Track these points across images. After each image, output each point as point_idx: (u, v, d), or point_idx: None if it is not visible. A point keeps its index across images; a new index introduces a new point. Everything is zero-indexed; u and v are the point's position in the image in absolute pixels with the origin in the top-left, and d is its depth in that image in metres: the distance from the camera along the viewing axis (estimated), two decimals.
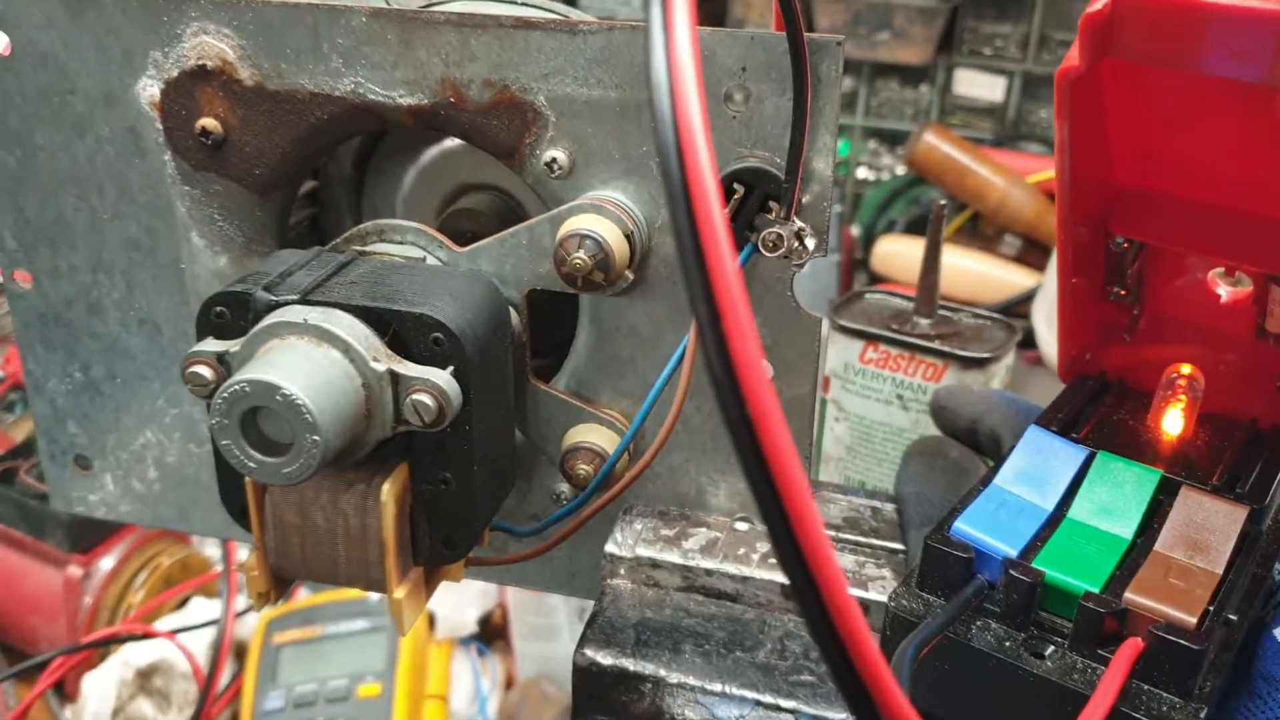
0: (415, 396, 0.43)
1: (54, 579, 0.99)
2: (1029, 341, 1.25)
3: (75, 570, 0.99)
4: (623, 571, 0.52)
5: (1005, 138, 1.70)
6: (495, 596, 1.08)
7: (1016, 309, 1.32)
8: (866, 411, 0.71)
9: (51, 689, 1.01)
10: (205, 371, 0.43)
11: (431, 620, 1.04)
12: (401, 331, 0.43)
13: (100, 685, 0.96)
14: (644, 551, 0.51)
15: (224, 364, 0.43)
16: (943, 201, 0.68)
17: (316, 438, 0.40)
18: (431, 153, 0.58)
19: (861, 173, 1.89)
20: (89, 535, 1.00)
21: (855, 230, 1.68)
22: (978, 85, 1.79)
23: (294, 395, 0.40)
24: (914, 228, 1.53)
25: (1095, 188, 0.47)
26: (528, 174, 0.49)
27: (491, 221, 0.56)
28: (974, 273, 1.38)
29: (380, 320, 0.43)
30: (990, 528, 0.42)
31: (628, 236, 0.47)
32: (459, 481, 0.46)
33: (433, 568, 0.48)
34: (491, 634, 1.11)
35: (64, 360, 0.57)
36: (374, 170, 0.59)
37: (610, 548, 0.52)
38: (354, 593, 1.03)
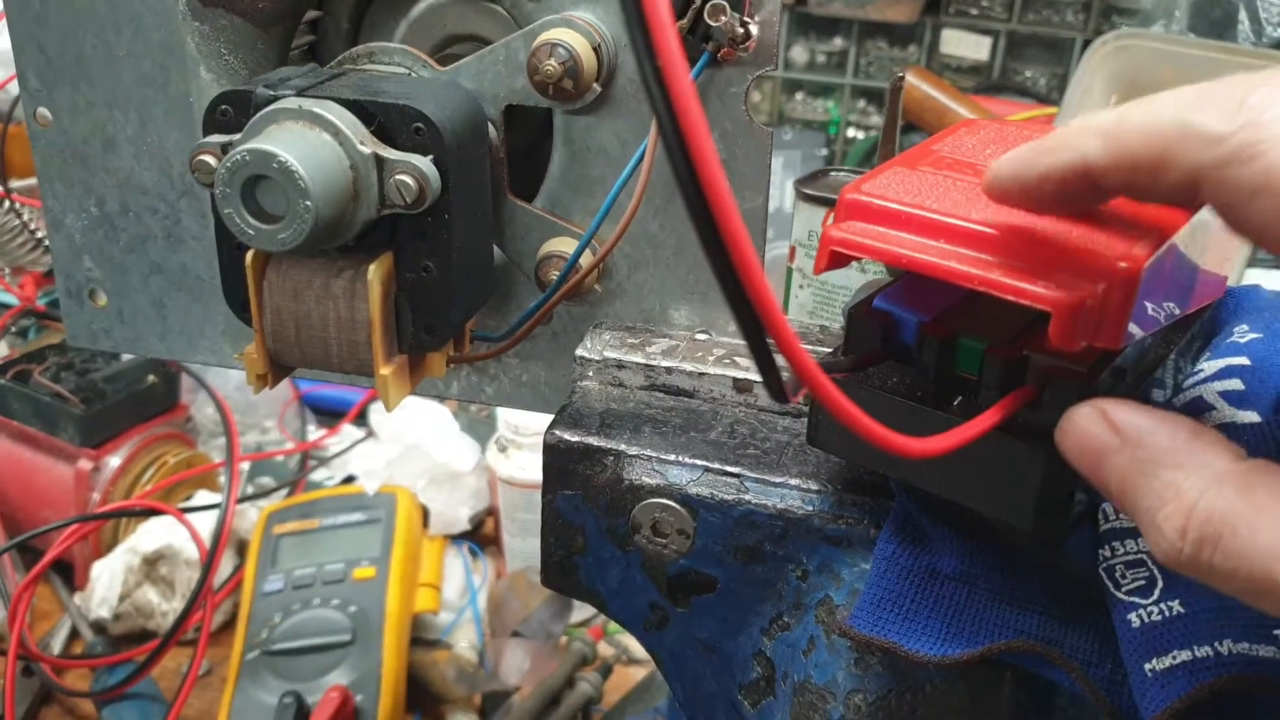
0: (398, 177, 0.47)
1: (65, 473, 1.04)
2: None
3: (85, 464, 1.04)
4: (591, 373, 0.56)
5: (986, 88, 1.75)
6: (487, 498, 1.13)
7: None
8: (828, 277, 0.75)
9: (61, 581, 1.05)
10: (210, 159, 0.48)
11: (426, 516, 1.09)
12: (386, 122, 0.48)
13: (108, 571, 1.01)
14: (611, 354, 0.56)
15: (225, 151, 0.48)
16: (901, 74, 0.73)
17: (308, 203, 0.45)
18: (420, 6, 0.63)
19: (851, 132, 1.94)
20: (99, 431, 1.05)
21: None
22: (964, 44, 1.84)
23: (289, 162, 0.44)
24: None
25: None
26: (506, 1, 0.53)
27: None
28: None
29: (367, 112, 0.48)
30: (909, 301, 0.46)
31: (596, 49, 0.52)
32: (439, 269, 0.50)
33: (416, 355, 0.53)
34: (484, 541, 1.15)
35: (81, 196, 0.62)
36: (367, 25, 0.64)
37: (581, 352, 0.56)
38: (351, 489, 1.08)
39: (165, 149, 0.60)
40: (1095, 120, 0.35)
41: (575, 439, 0.52)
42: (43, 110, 0.61)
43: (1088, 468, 0.36)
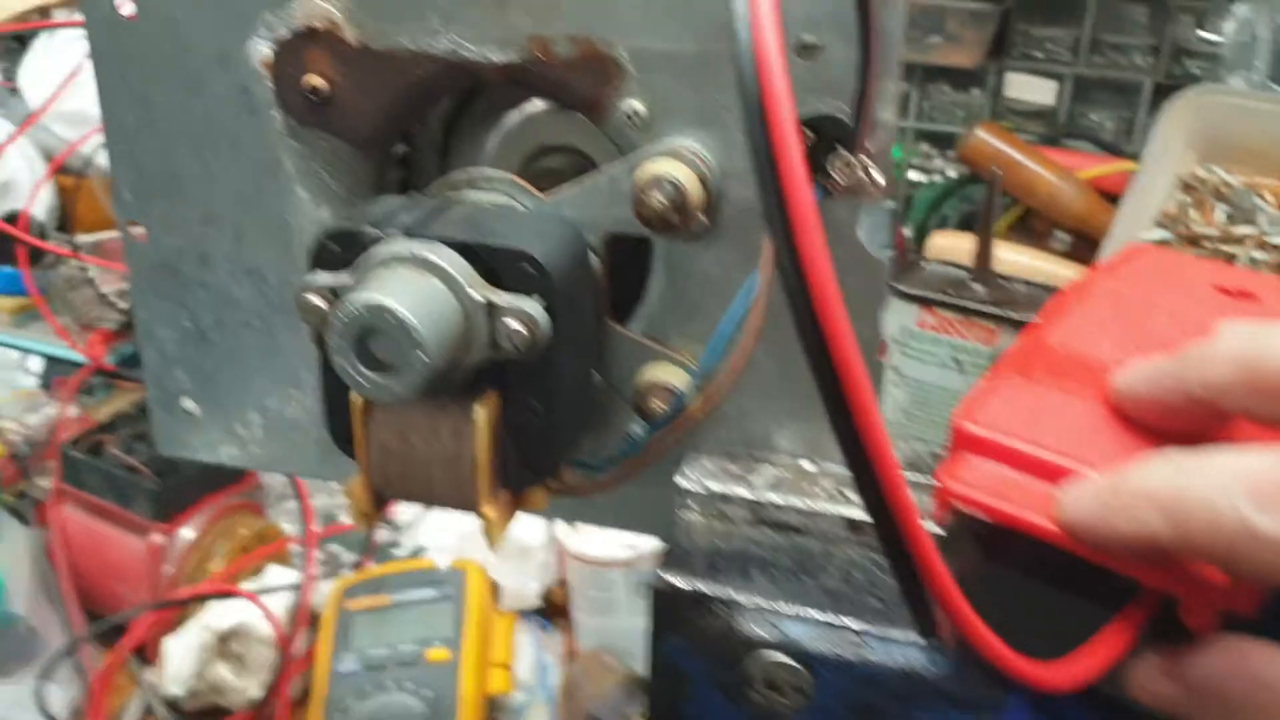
0: (509, 323, 0.46)
1: (138, 546, 1.04)
2: None
3: (158, 538, 1.04)
4: (693, 505, 0.55)
5: (1054, 137, 1.72)
6: (556, 571, 1.12)
7: None
8: (924, 376, 0.73)
9: (133, 654, 1.05)
10: (318, 300, 0.47)
11: (496, 592, 1.08)
12: (495, 264, 0.47)
13: (181, 648, 1.00)
14: (714, 486, 0.54)
15: (334, 294, 0.47)
16: (997, 170, 0.71)
17: (424, 356, 0.44)
18: (514, 116, 0.61)
19: (913, 175, 1.91)
20: (171, 505, 1.05)
21: (907, 231, 1.70)
22: (1029, 88, 1.81)
23: (405, 316, 0.44)
24: (966, 224, 1.55)
25: None
26: (608, 125, 0.52)
27: (568, 180, 0.60)
28: (1026, 267, 1.39)
29: (475, 254, 0.47)
30: None
31: (703, 181, 0.50)
32: (546, 409, 0.49)
33: (518, 492, 0.52)
34: (554, 611, 1.14)
35: (173, 309, 0.62)
36: (458, 134, 0.63)
37: (681, 482, 0.55)
38: (423, 562, 1.07)
39: (260, 266, 0.59)
40: (1153, 486, 0.35)
41: (684, 585, 0.50)
42: (137, 224, 0.60)
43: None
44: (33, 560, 1.04)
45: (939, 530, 0.43)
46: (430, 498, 0.51)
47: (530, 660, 1.06)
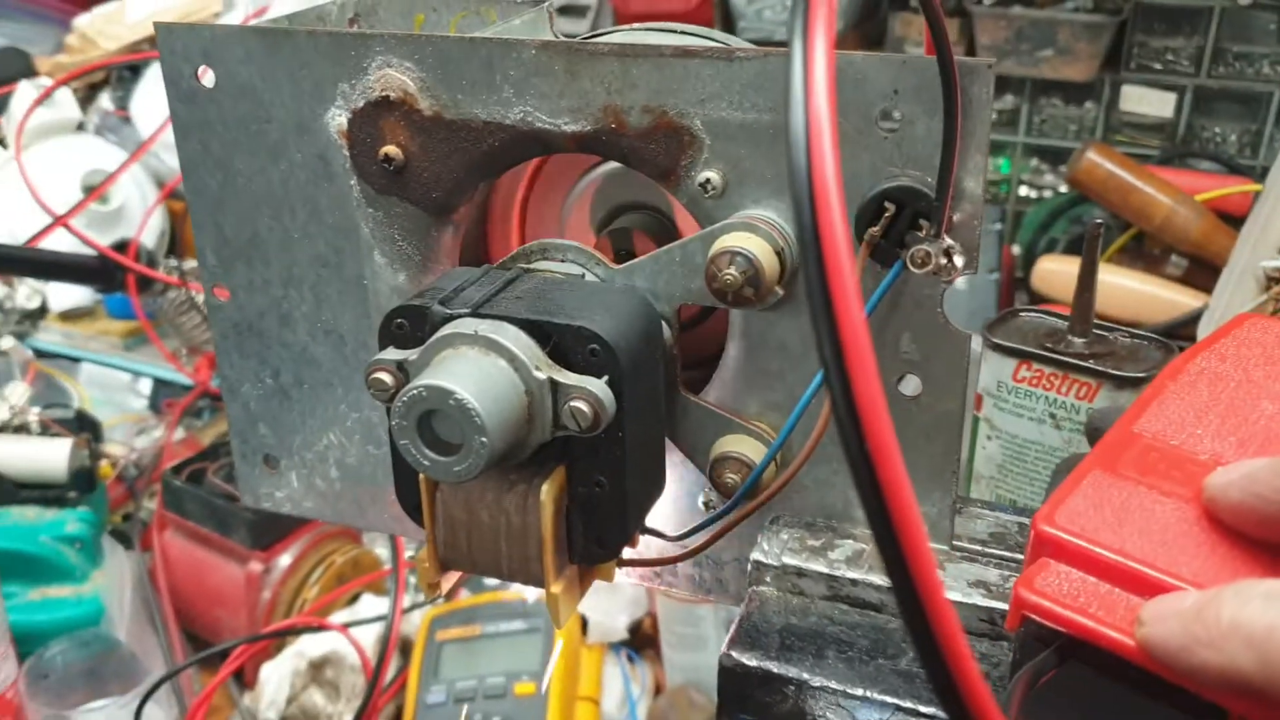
0: (573, 403, 0.45)
1: (237, 573, 1.06)
2: None
3: (256, 565, 1.06)
4: (769, 579, 0.53)
5: (1173, 155, 1.65)
6: (645, 604, 1.11)
7: (1182, 331, 1.28)
8: (1019, 430, 0.71)
9: (232, 677, 1.08)
10: (386, 378, 0.47)
11: (584, 624, 1.07)
12: (561, 343, 0.46)
13: (276, 674, 1.02)
14: (790, 560, 0.53)
15: (403, 371, 0.47)
16: (1099, 220, 0.68)
17: (484, 439, 0.43)
18: (591, 174, 0.61)
19: (1023, 190, 1.86)
20: (269, 533, 1.07)
21: (1016, 249, 1.65)
22: (1146, 101, 1.74)
23: (466, 400, 0.43)
24: (1075, 247, 1.50)
25: None
26: (683, 194, 0.51)
27: (646, 239, 0.59)
28: (1137, 292, 1.34)
29: (542, 332, 0.47)
30: None
31: (778, 253, 0.49)
32: (612, 484, 0.48)
33: (587, 566, 0.51)
34: (641, 642, 1.13)
35: (256, 367, 0.62)
36: (537, 191, 0.63)
37: (757, 555, 0.53)
38: (512, 594, 1.07)
39: (339, 327, 0.60)
40: (1244, 620, 0.33)
41: (753, 663, 0.49)
42: (221, 286, 0.61)
43: None
44: (135, 584, 1.07)
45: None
46: (498, 571, 0.50)
47: (617, 694, 1.05)
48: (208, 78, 0.56)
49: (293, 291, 0.60)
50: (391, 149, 0.54)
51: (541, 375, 0.46)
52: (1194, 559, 0.37)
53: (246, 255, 0.60)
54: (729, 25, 1.93)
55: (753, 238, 0.49)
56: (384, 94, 0.53)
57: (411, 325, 0.48)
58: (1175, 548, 0.37)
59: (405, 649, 1.08)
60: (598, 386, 0.46)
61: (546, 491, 0.47)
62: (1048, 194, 1.84)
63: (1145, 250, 1.42)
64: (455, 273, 0.51)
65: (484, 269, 0.51)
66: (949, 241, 0.45)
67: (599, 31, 0.59)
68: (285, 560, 1.07)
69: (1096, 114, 1.78)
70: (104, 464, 1.23)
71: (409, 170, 0.54)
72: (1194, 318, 1.30)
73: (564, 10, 2.21)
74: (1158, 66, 1.72)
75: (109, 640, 1.00)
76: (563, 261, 0.53)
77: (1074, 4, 1.69)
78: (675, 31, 0.57)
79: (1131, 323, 1.38)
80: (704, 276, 0.50)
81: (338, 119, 0.55)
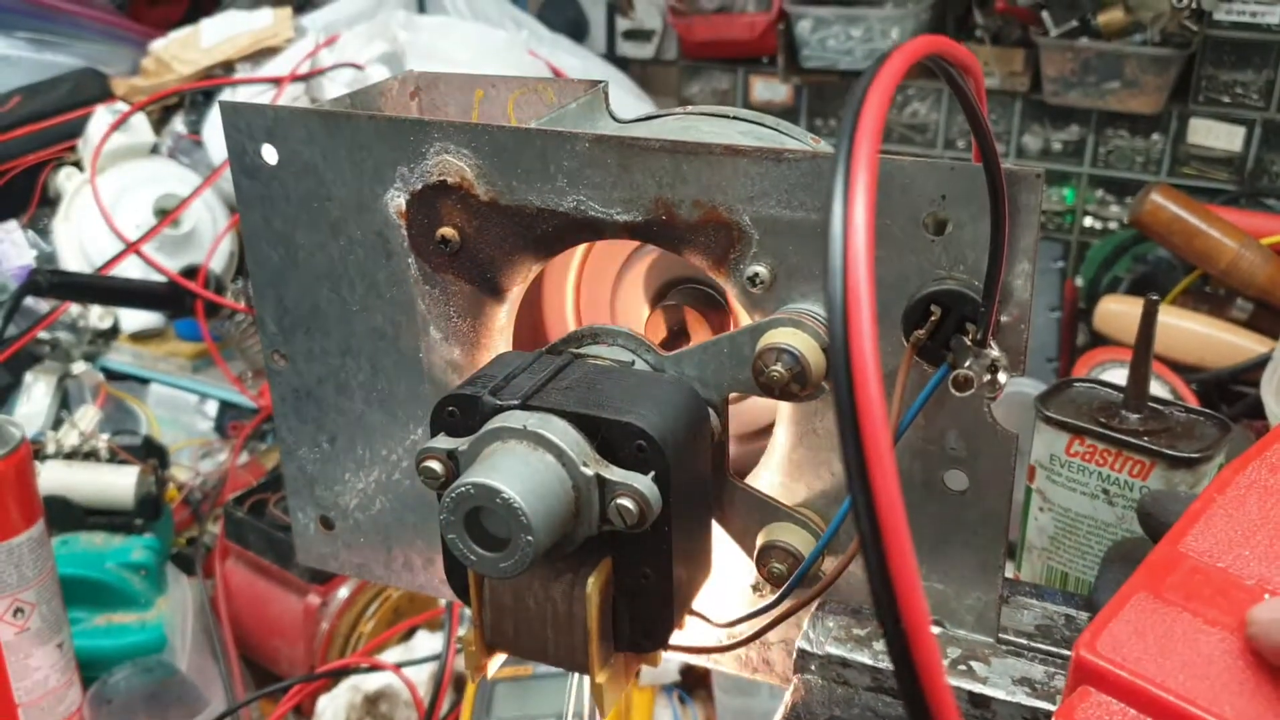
0: (619, 501, 0.46)
1: (295, 606, 1.08)
2: (1257, 411, 1.19)
3: (314, 599, 1.08)
4: (813, 667, 0.54)
5: (1240, 195, 1.62)
6: None
7: (1245, 376, 1.26)
8: (1071, 504, 0.70)
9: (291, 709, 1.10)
10: (437, 466, 0.48)
11: None
12: (609, 437, 0.47)
13: (332, 707, 1.04)
14: (835, 650, 0.53)
15: (453, 459, 0.48)
16: (1155, 297, 0.67)
17: (530, 538, 0.44)
18: (644, 250, 0.61)
19: (1087, 221, 1.84)
20: None
21: (1079, 281, 1.63)
22: (1214, 135, 1.71)
23: (512, 499, 0.44)
24: (1139, 286, 1.48)
25: None
26: (732, 284, 0.51)
27: (697, 316, 0.60)
28: (1201, 336, 1.32)
29: (591, 426, 0.47)
30: None
31: (825, 349, 0.49)
32: (658, 576, 0.49)
33: (633, 654, 0.52)
34: (693, 683, 1.13)
35: (314, 431, 0.64)
36: (591, 266, 0.63)
37: (802, 644, 0.54)
38: None
39: (395, 396, 0.61)
40: None
41: None
42: (280, 354, 0.62)
43: None
44: (197, 612, 1.10)
45: None
46: (544, 656, 0.51)
47: None
48: (271, 155, 0.57)
49: (350, 361, 0.61)
50: (448, 230, 0.55)
51: (589, 471, 0.46)
52: (1237, 698, 0.36)
53: (306, 325, 0.61)
54: (792, 53, 1.93)
55: (799, 334, 0.49)
56: (441, 178, 0.54)
57: (463, 413, 0.49)
58: (1218, 684, 0.37)
59: (459, 685, 1.10)
60: (644, 484, 0.46)
61: (592, 584, 0.48)
62: (1113, 225, 1.82)
63: (1210, 292, 1.40)
64: (507, 358, 0.52)
65: (535, 354, 0.52)
66: (995, 354, 0.45)
67: (655, 114, 0.60)
68: (343, 593, 1.09)
69: (1164, 146, 1.75)
70: (169, 488, 1.26)
71: (465, 251, 0.55)
72: (1260, 363, 1.28)
73: (629, 35, 2.22)
74: (1226, 100, 1.70)
75: (171, 667, 1.03)
76: (612, 346, 0.54)
77: (1141, 37, 1.67)
78: (728, 118, 0.58)
79: (1195, 366, 1.36)
80: (751, 369, 0.50)
81: (396, 200, 0.56)
